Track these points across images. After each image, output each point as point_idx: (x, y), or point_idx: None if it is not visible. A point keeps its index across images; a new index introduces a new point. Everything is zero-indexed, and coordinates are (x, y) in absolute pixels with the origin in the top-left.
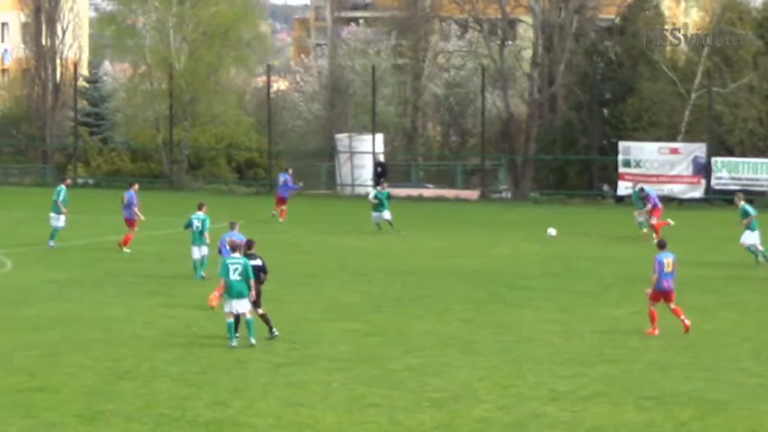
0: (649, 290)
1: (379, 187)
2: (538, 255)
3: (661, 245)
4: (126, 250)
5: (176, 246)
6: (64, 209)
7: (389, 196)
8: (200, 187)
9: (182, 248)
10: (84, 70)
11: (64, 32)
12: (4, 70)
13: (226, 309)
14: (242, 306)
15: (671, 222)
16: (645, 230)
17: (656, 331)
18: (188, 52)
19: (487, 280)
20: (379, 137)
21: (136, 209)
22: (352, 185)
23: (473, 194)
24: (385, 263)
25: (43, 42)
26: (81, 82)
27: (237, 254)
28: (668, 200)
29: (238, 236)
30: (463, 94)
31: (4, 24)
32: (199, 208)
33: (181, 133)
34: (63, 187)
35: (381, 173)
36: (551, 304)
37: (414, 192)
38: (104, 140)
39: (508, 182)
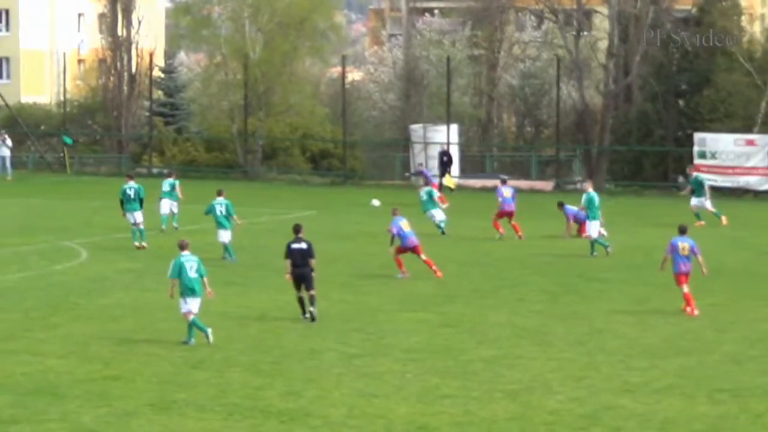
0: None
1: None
2: (612, 246)
3: (682, 230)
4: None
5: (250, 236)
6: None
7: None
8: (274, 178)
9: (257, 238)
10: (159, 61)
11: (140, 22)
12: (80, 61)
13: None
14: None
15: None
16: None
17: (695, 312)
18: (263, 42)
19: (561, 271)
20: (454, 128)
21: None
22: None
23: (548, 185)
24: (459, 253)
25: (119, 32)
26: (156, 73)
27: (187, 252)
28: (743, 192)
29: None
30: (538, 84)
31: (80, 15)
32: (219, 194)
33: (256, 123)
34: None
35: (446, 162)
36: (625, 296)
37: (488, 183)
38: (179, 130)
39: (583, 173)
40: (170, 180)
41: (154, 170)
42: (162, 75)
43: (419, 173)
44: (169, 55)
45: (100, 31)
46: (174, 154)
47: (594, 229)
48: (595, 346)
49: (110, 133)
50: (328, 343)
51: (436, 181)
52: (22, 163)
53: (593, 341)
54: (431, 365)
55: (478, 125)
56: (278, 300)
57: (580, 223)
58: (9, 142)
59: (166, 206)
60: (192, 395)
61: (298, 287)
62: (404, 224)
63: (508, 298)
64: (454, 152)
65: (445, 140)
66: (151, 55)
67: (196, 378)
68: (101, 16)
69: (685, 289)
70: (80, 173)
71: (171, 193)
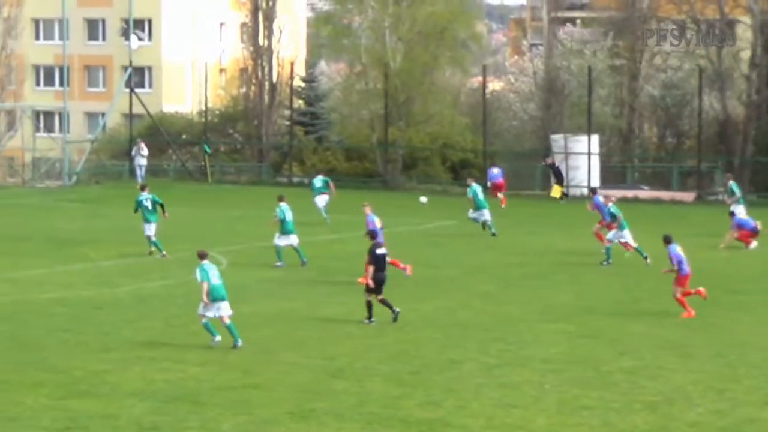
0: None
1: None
2: (756, 258)
3: (668, 240)
4: None
5: (390, 247)
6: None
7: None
8: (414, 187)
9: (397, 248)
10: (300, 70)
11: (281, 32)
12: (221, 70)
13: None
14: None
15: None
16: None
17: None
18: (404, 51)
19: (702, 283)
20: (595, 138)
21: None
22: (567, 186)
23: (689, 196)
24: (599, 264)
25: (261, 42)
26: (297, 82)
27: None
28: None
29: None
30: (680, 95)
31: (222, 24)
32: (281, 200)
33: (396, 132)
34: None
35: (555, 172)
36: None
37: (629, 193)
38: (319, 139)
39: (725, 184)
40: (321, 177)
41: (294, 179)
42: (303, 84)
43: (551, 165)
44: (310, 64)
45: (242, 41)
46: (314, 163)
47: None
48: (736, 358)
49: (251, 142)
50: (468, 354)
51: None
52: (164, 171)
53: (735, 353)
54: (570, 376)
55: (618, 135)
56: (418, 310)
57: (745, 232)
58: (145, 151)
59: (322, 200)
60: (331, 404)
61: (378, 291)
62: (377, 221)
63: (649, 309)
64: (595, 163)
65: (586, 150)
66: (291, 65)
67: (335, 387)
68: (243, 25)
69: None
70: (221, 182)
71: (323, 188)
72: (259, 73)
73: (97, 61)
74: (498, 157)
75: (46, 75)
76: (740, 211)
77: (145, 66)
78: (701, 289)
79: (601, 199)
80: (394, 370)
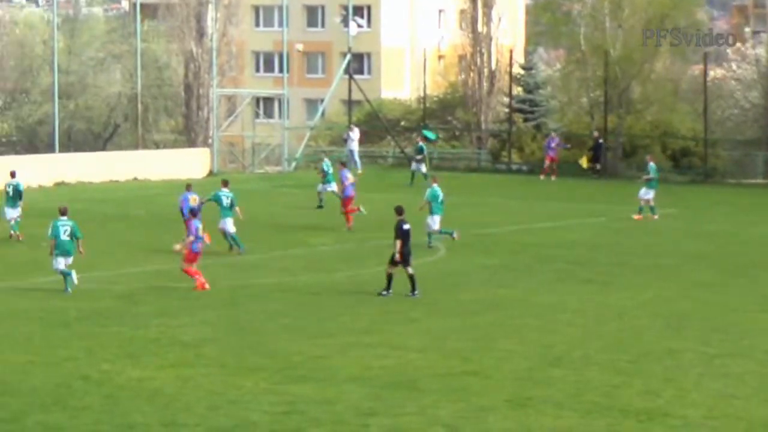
0: None
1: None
2: None
3: None
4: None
5: (610, 234)
6: None
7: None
8: (634, 175)
9: (615, 237)
10: (519, 57)
11: (500, 19)
12: (440, 56)
13: (55, 266)
14: (67, 262)
15: None
16: None
17: None
18: (623, 39)
19: None
20: None
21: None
22: None
23: None
24: None
25: (480, 29)
26: (516, 69)
27: (65, 217)
28: None
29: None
30: None
31: (440, 11)
32: (224, 184)
33: (615, 120)
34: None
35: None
36: None
37: None
38: (537, 127)
39: None
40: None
41: (513, 166)
42: (521, 71)
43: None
44: (529, 51)
45: (461, 28)
46: (533, 150)
47: None
48: None
49: (469, 129)
50: (688, 343)
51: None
52: (382, 157)
53: None
54: None
55: None
56: (638, 298)
57: None
58: (355, 135)
59: None
60: (549, 392)
61: (405, 263)
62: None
63: None
64: None
65: None
66: (510, 51)
67: (553, 375)
68: (462, 12)
69: None
70: (439, 169)
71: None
72: (478, 60)
73: (317, 47)
74: (719, 145)
75: (266, 61)
76: None
77: (364, 52)
78: None
79: None
80: (612, 359)
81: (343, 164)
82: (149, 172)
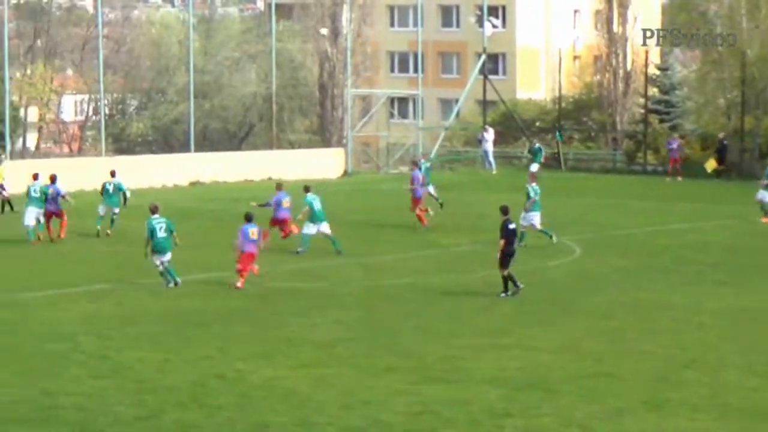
0: None
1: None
2: None
3: None
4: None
5: (745, 236)
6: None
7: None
8: None
9: (754, 239)
10: (655, 57)
11: (635, 19)
12: (575, 57)
13: (156, 261)
14: (167, 257)
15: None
16: None
17: None
18: (761, 39)
19: None
20: None
21: None
22: None
23: None
24: None
25: (615, 29)
26: (652, 69)
27: (157, 215)
28: None
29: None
30: None
31: (576, 11)
32: (306, 190)
33: (753, 121)
34: None
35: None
36: None
37: None
38: (674, 128)
39: None
40: None
41: (648, 168)
42: (657, 72)
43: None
44: (665, 52)
45: (596, 28)
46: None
47: None
48: None
49: (604, 129)
50: None
51: None
52: (517, 158)
53: None
54: None
55: None
56: None
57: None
58: (490, 135)
59: None
60: (684, 395)
61: (506, 265)
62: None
63: None
64: None
65: None
66: (646, 52)
67: (688, 377)
68: (597, 12)
69: None
70: (574, 170)
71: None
72: (613, 61)
73: (452, 47)
74: None
75: (401, 61)
76: None
77: (499, 53)
78: None
79: None
80: (749, 362)
81: (415, 164)
82: (284, 171)
